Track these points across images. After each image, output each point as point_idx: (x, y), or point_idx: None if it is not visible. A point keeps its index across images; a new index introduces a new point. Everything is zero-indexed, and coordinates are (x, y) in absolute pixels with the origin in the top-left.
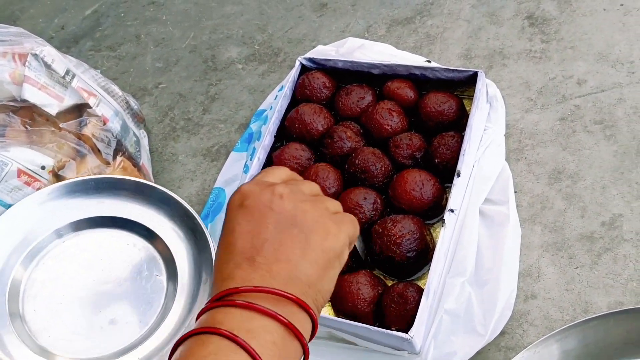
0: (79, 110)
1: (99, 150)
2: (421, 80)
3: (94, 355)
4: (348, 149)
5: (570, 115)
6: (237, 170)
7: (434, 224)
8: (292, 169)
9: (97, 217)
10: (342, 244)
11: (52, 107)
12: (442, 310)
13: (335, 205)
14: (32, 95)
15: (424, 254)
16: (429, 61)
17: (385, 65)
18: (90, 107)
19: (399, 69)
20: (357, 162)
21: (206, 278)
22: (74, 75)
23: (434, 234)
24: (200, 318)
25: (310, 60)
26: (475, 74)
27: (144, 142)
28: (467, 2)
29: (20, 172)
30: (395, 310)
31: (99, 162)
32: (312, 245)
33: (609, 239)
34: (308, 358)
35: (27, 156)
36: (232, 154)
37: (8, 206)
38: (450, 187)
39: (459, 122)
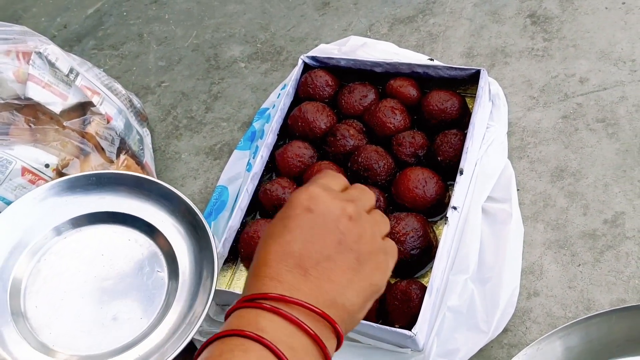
0: (83, 108)
1: (102, 149)
2: (424, 79)
3: (95, 352)
4: (351, 147)
5: (573, 113)
6: (240, 169)
7: (436, 221)
8: (295, 167)
9: (98, 213)
10: (385, 281)
11: (56, 105)
12: (445, 308)
13: (387, 225)
14: (36, 93)
15: (427, 252)
16: (431, 59)
17: (387, 64)
18: (94, 106)
19: (402, 67)
20: (360, 160)
21: (207, 275)
22: (77, 74)
23: (436, 232)
24: (241, 313)
25: (313, 58)
26: (477, 72)
27: (147, 140)
28: (469, 1)
29: (24, 170)
30: (398, 308)
31: (103, 161)
32: (363, 276)
33: (611, 237)
34: None
35: (31, 154)
36: (235, 152)
37: None
38: (452, 185)
39: (461, 120)
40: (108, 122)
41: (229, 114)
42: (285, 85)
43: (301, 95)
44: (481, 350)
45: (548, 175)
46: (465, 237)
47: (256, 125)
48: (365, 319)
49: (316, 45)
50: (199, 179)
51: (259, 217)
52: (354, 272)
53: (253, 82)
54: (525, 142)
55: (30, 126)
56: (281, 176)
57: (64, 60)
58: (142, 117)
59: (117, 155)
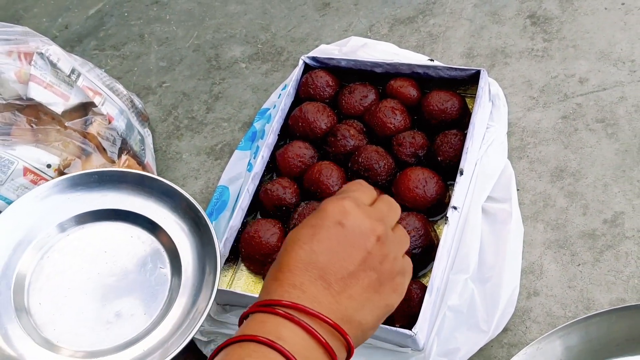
0: (84, 109)
1: (104, 149)
2: (424, 79)
3: (99, 348)
4: (351, 147)
5: (572, 113)
6: (240, 169)
7: (437, 221)
8: (295, 167)
9: (101, 210)
10: (398, 303)
11: (58, 105)
12: (445, 307)
13: (408, 242)
14: (37, 94)
15: (429, 251)
16: (431, 60)
17: (388, 64)
18: (96, 106)
19: (402, 68)
20: (360, 160)
21: (210, 270)
22: (79, 74)
23: (437, 231)
24: (262, 318)
25: (314, 59)
26: (477, 73)
27: (148, 140)
28: (469, 2)
29: (26, 171)
30: (398, 307)
31: (104, 161)
32: (381, 296)
33: (611, 237)
34: None
35: (33, 154)
36: (236, 152)
37: None
38: (453, 185)
39: (461, 120)
40: (109, 122)
41: (230, 114)
42: (285, 85)
43: (302, 96)
44: (481, 349)
45: (548, 175)
46: (465, 236)
47: (257, 125)
48: None
49: (317, 46)
50: (200, 179)
51: (259, 217)
52: (374, 292)
53: (254, 82)
54: (525, 142)
55: (32, 126)
56: (282, 176)
57: (66, 60)
58: (143, 118)
59: (119, 156)
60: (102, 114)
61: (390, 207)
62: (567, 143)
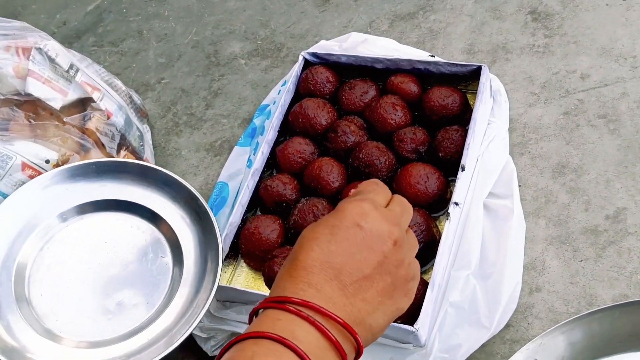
0: (83, 104)
1: (102, 145)
2: (425, 75)
3: (102, 338)
4: (352, 143)
5: (574, 109)
6: (240, 165)
7: (438, 217)
8: (295, 163)
9: (100, 201)
10: (407, 306)
11: (56, 101)
12: (447, 303)
13: (417, 247)
14: (36, 89)
15: (431, 246)
16: (432, 56)
17: (388, 60)
18: (94, 102)
19: (403, 64)
20: (361, 156)
21: (212, 259)
22: (77, 70)
23: (438, 227)
24: (276, 315)
25: (314, 55)
26: (478, 68)
27: (147, 136)
28: None
29: (24, 166)
30: None
31: (103, 156)
32: (393, 301)
33: (613, 233)
34: None
35: (31, 150)
36: (236, 148)
37: None
38: (454, 181)
39: (462, 116)
40: (108, 118)
41: (229, 111)
42: (285, 81)
43: (302, 92)
44: (483, 345)
45: (549, 171)
46: (467, 233)
47: (256, 121)
48: None
49: (316, 42)
50: (199, 175)
51: (259, 214)
52: (387, 296)
53: (253, 78)
54: (527, 138)
55: (30, 122)
56: (282, 172)
57: (64, 56)
58: (142, 114)
59: (118, 151)
60: (101, 110)
61: (404, 209)
62: (569, 139)
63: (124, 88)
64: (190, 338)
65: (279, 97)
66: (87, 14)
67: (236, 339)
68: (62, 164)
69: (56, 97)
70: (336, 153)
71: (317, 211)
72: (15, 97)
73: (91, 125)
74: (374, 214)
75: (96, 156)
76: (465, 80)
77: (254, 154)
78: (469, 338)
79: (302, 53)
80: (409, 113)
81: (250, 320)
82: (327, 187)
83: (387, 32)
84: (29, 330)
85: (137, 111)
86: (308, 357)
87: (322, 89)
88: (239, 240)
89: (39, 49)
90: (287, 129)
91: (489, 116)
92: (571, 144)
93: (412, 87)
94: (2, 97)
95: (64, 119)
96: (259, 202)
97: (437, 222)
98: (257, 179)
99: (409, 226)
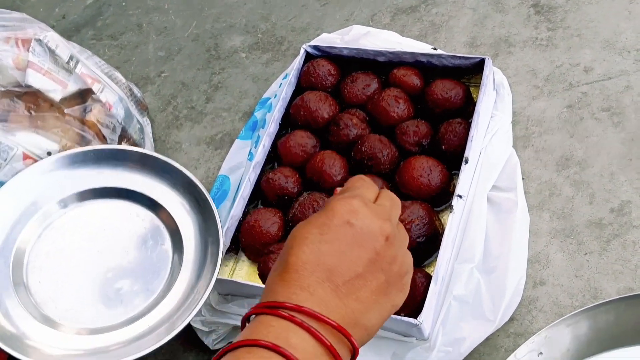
0: (83, 96)
1: (103, 136)
2: (427, 68)
3: (102, 325)
4: (354, 136)
5: (578, 102)
6: (241, 158)
7: (441, 210)
8: (297, 156)
9: (99, 188)
10: (403, 302)
11: (56, 92)
12: (450, 297)
13: (407, 239)
14: (36, 80)
15: (433, 240)
16: (435, 48)
17: (391, 53)
18: (94, 93)
19: (405, 56)
20: (363, 149)
21: (212, 245)
22: (77, 61)
23: (442, 220)
24: (269, 321)
25: (315, 47)
26: (482, 61)
27: (148, 130)
28: None
29: (25, 157)
30: None
31: None
32: (387, 298)
33: (618, 226)
34: None
35: (32, 140)
36: (237, 141)
37: None
38: (457, 175)
39: (465, 109)
40: (109, 109)
41: (230, 104)
42: (287, 74)
43: (303, 85)
44: (487, 339)
45: (553, 164)
46: (470, 226)
47: (258, 115)
48: None
49: (317, 36)
50: (200, 168)
51: (260, 207)
52: (382, 294)
53: (254, 72)
54: (530, 131)
55: (30, 113)
56: (283, 165)
57: (64, 47)
58: (142, 107)
59: (118, 143)
60: (101, 102)
61: (393, 203)
62: (573, 132)
63: (124, 81)
64: (192, 332)
65: (280, 90)
66: (86, 8)
67: (229, 347)
68: None
69: (56, 88)
70: (338, 146)
71: (317, 206)
72: (16, 89)
73: (92, 117)
74: (364, 210)
75: None
76: (468, 73)
77: (255, 147)
78: (473, 331)
79: (304, 46)
80: (412, 106)
81: (243, 326)
82: (329, 180)
83: (388, 25)
84: (27, 317)
85: (138, 104)
86: None
87: (323, 82)
88: (239, 233)
89: (39, 41)
90: (289, 122)
91: (492, 109)
92: (575, 137)
93: (414, 80)
94: (2, 89)
95: (65, 111)
96: (261, 195)
97: (439, 216)
98: (258, 171)
99: (411, 219)
